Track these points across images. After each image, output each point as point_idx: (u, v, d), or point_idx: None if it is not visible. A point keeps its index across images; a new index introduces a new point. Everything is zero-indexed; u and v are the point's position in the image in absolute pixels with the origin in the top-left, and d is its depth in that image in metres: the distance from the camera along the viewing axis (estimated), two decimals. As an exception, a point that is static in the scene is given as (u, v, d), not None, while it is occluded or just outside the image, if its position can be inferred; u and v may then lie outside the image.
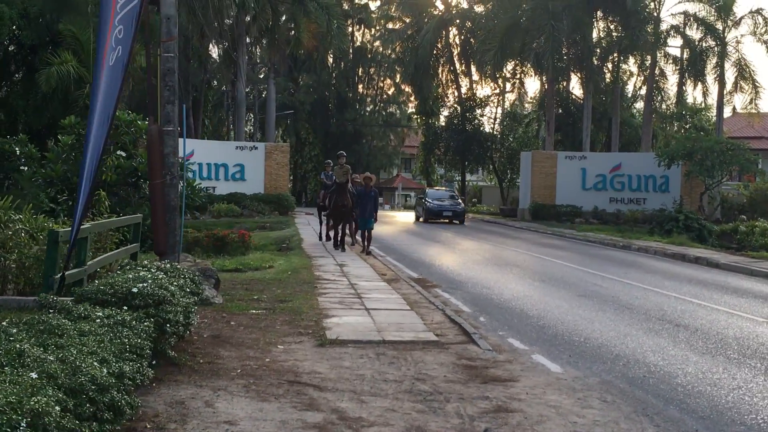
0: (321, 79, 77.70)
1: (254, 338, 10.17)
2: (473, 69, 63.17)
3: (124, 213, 21.70)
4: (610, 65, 52.67)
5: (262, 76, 77.63)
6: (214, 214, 39.32)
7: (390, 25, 74.99)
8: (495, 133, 66.95)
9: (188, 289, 8.99)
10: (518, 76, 58.09)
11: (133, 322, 6.58)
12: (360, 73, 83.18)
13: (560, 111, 58.70)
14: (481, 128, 65.77)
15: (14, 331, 5.98)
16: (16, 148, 26.54)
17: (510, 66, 55.49)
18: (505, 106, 69.32)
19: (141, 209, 22.51)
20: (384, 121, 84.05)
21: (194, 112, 57.26)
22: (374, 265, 19.03)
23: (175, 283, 8.48)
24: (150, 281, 8.06)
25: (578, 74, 52.95)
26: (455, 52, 65.61)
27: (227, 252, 19.52)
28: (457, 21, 63.80)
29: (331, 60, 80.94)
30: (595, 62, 49.74)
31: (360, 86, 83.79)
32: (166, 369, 8.28)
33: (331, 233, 24.04)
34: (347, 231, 23.74)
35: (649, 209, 41.79)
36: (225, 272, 16.60)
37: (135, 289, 7.70)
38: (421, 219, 43.73)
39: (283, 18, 48.93)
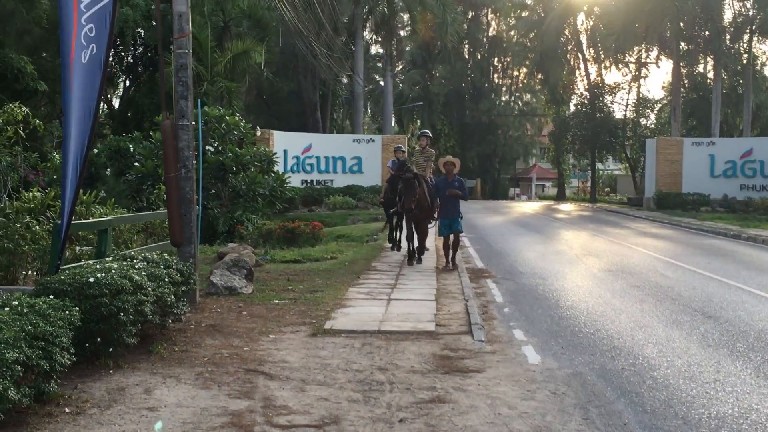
0: (455, 70, 77.49)
1: (250, 328, 10.35)
2: (602, 55, 61.69)
3: (212, 207, 22.42)
4: (746, 46, 50.35)
5: (399, 68, 78.43)
6: (329, 207, 40.04)
7: (524, 14, 74.09)
8: (626, 119, 65.10)
9: (167, 279, 9.21)
10: (643, 60, 56.22)
11: (50, 311, 6.80)
12: (495, 63, 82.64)
13: (694, 96, 56.59)
14: (612, 115, 64.09)
15: None
16: (131, 146, 27.82)
17: (636, 51, 53.81)
18: (640, 92, 67.35)
19: (233, 204, 23.22)
20: (519, 111, 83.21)
21: (322, 107, 58.29)
22: (442, 256, 18.80)
23: (143, 273, 8.69)
24: (114, 271, 8.31)
25: (709, 57, 50.84)
26: (583, 38, 64.23)
27: (298, 243, 19.81)
28: (585, 6, 62.38)
29: (465, 50, 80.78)
30: (727, 44, 47.59)
31: (495, 76, 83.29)
32: (135, 356, 8.58)
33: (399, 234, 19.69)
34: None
35: (784, 196, 39.80)
36: (282, 263, 16.92)
37: (92, 279, 7.96)
38: None
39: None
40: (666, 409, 7.17)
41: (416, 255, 17.46)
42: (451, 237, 16.83)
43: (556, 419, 6.80)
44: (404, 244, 18.50)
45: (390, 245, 20.20)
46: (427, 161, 18.33)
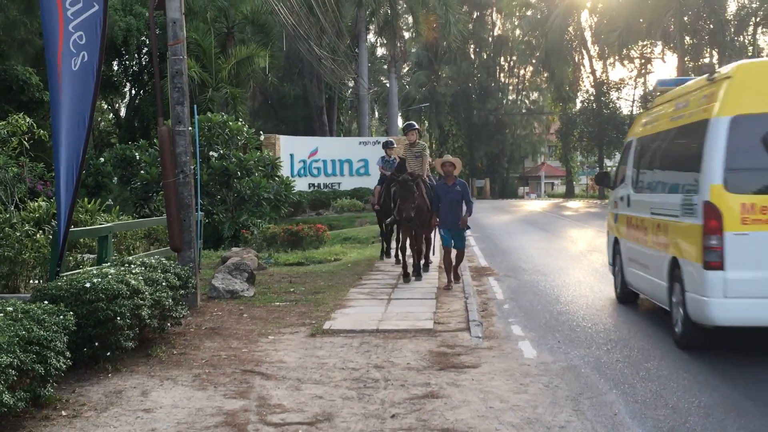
0: (462, 70, 77.62)
1: (249, 330, 10.44)
2: (606, 51, 61.70)
3: (217, 212, 22.51)
4: (750, 38, 50.33)
5: (405, 70, 78.53)
6: (337, 210, 40.08)
7: (528, 12, 74.12)
8: (633, 115, 65.03)
9: (165, 284, 9.30)
10: (648, 56, 56.25)
11: (44, 316, 6.89)
12: (501, 62, 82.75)
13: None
14: (618, 111, 64.08)
15: None
16: (136, 154, 27.95)
17: (640, 46, 53.86)
18: (646, 87, 67.17)
19: (238, 209, 23.31)
20: (526, 109, 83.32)
21: (328, 111, 58.38)
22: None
23: (140, 278, 8.78)
24: (111, 276, 8.41)
25: (714, 50, 50.82)
26: (588, 35, 64.23)
27: (302, 246, 19.91)
28: (588, 3, 62.39)
29: (471, 50, 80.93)
30: (732, 36, 47.55)
31: (501, 75, 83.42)
32: (134, 360, 8.69)
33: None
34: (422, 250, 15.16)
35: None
36: (285, 266, 17.03)
37: (88, 284, 8.06)
38: None
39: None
40: (657, 399, 7.22)
41: (418, 269, 14.81)
42: (453, 252, 14.08)
43: (547, 411, 6.86)
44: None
45: (383, 258, 17.87)
46: (420, 157, 15.24)
